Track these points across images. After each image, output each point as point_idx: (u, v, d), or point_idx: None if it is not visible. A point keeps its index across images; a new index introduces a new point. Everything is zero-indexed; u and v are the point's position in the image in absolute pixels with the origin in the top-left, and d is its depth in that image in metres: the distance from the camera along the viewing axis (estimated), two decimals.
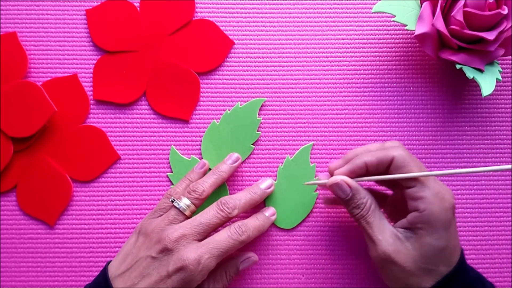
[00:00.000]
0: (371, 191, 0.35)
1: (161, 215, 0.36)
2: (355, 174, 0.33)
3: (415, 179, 0.32)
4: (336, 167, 0.35)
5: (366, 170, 0.33)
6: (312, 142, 0.41)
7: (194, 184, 0.36)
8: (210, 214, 0.34)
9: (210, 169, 0.39)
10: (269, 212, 0.38)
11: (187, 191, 0.36)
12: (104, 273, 0.34)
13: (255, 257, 0.38)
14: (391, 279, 0.33)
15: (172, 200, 0.35)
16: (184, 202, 0.35)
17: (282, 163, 0.41)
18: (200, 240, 0.34)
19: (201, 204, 0.36)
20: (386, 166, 0.32)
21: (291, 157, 0.41)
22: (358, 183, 0.33)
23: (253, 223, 0.35)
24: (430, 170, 0.32)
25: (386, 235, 0.32)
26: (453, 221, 0.32)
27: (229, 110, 0.41)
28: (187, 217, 0.35)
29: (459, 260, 0.32)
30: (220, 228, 0.35)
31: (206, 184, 0.36)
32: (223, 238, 0.33)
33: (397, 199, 0.36)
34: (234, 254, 0.37)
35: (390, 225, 0.33)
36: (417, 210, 0.31)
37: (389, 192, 0.38)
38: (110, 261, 0.35)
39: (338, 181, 0.33)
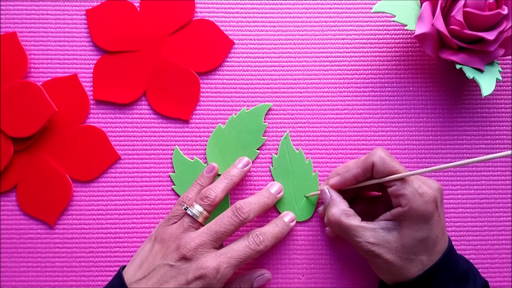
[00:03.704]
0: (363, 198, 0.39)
1: (175, 222, 0.36)
2: (345, 185, 0.37)
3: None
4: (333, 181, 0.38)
5: (356, 181, 0.36)
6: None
7: (206, 190, 0.36)
8: (225, 221, 0.35)
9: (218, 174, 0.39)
10: (288, 218, 0.38)
11: (200, 198, 0.36)
12: (120, 279, 0.34)
13: (269, 274, 0.39)
14: (378, 270, 0.35)
15: (185, 208, 0.36)
16: (197, 209, 0.35)
17: (272, 164, 0.41)
18: (217, 247, 0.34)
19: (213, 209, 0.36)
20: (371, 171, 0.35)
21: (276, 155, 0.41)
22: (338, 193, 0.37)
23: (272, 231, 0.36)
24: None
25: (366, 236, 0.34)
26: (435, 214, 0.33)
27: (235, 114, 0.41)
28: (201, 224, 0.36)
29: (445, 252, 0.33)
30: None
31: (218, 189, 0.36)
32: (241, 247, 0.34)
33: (385, 198, 0.37)
34: (250, 264, 0.38)
35: (370, 224, 0.34)
36: (399, 205, 0.33)
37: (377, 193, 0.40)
38: (124, 266, 0.36)
39: (322, 188, 0.38)
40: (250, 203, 0.36)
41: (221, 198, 0.36)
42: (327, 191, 0.37)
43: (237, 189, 0.41)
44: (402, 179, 0.33)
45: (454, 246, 0.41)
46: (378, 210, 0.38)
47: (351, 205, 0.39)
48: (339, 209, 0.35)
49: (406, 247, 0.33)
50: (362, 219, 0.35)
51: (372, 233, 0.34)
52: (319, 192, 0.38)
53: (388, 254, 0.33)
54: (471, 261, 0.41)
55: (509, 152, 0.27)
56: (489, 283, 0.40)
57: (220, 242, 0.35)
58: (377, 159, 0.34)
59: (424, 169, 0.32)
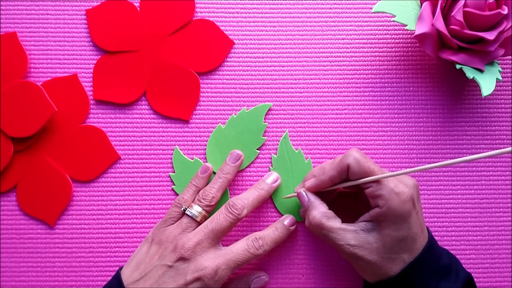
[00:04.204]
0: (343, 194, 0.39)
1: (172, 223, 0.36)
2: (320, 188, 0.36)
3: None
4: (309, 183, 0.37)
5: (332, 183, 0.35)
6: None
7: (203, 192, 0.37)
8: (220, 219, 0.35)
9: (214, 172, 0.39)
10: (288, 221, 0.38)
11: (197, 199, 0.36)
12: (118, 279, 0.34)
13: (266, 277, 0.39)
14: (361, 271, 0.35)
15: (184, 209, 0.36)
16: (196, 209, 0.36)
17: (271, 164, 0.41)
18: (214, 245, 0.34)
19: (212, 210, 0.37)
20: (347, 173, 0.34)
21: (276, 155, 0.41)
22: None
23: (271, 236, 0.36)
24: None
25: (347, 238, 0.33)
26: (412, 212, 0.33)
27: (235, 114, 0.41)
28: (199, 223, 0.36)
29: (424, 249, 0.33)
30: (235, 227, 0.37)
31: (214, 189, 0.37)
32: (240, 250, 0.34)
33: (365, 197, 0.37)
34: (250, 263, 0.38)
35: (350, 226, 0.34)
36: (377, 206, 0.33)
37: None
38: (122, 266, 0.36)
39: (299, 191, 0.37)
40: (244, 198, 0.36)
41: (218, 198, 0.37)
42: (304, 194, 0.36)
43: (237, 190, 0.41)
44: (376, 180, 0.33)
45: (454, 246, 0.41)
46: (359, 205, 0.37)
47: (332, 201, 0.39)
48: (319, 211, 0.35)
49: (387, 247, 0.33)
50: (344, 215, 0.35)
51: (353, 235, 0.33)
52: (296, 194, 0.38)
53: (370, 255, 0.33)
54: (471, 261, 0.41)
55: (497, 151, 0.27)
56: (489, 283, 0.40)
57: (217, 240, 0.35)
58: (351, 161, 0.33)
59: (399, 172, 0.32)
